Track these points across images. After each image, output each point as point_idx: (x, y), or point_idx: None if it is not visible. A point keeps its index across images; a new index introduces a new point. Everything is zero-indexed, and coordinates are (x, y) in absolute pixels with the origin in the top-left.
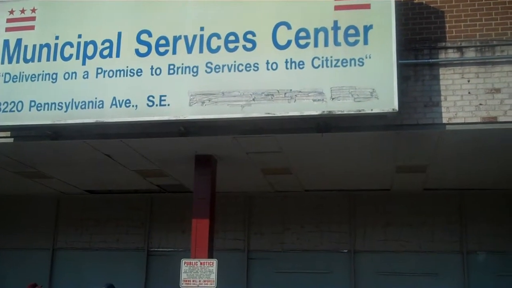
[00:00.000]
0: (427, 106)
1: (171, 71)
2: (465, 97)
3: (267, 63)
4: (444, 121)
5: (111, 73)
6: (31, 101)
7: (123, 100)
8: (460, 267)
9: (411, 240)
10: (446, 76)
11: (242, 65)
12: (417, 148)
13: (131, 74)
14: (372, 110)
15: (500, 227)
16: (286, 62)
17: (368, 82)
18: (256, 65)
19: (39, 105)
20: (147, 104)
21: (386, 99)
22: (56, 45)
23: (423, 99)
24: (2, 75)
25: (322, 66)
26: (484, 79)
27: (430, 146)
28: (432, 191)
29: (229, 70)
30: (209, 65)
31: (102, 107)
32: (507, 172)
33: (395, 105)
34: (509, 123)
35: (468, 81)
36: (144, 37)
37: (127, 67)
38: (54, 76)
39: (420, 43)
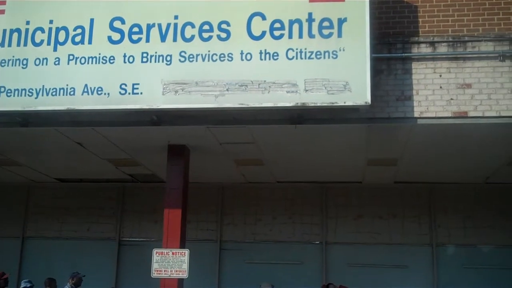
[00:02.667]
0: (399, 99)
1: (144, 59)
2: (437, 92)
3: (242, 53)
4: (416, 115)
5: (83, 60)
6: (0, 87)
7: (95, 88)
8: (429, 260)
9: (382, 233)
10: (418, 71)
11: (216, 55)
12: (389, 142)
13: (104, 62)
14: (345, 102)
15: (469, 220)
16: (261, 53)
17: (342, 75)
18: (230, 55)
19: (9, 91)
20: (120, 92)
21: (359, 92)
22: (27, 30)
23: (395, 93)
24: None
25: (296, 58)
26: (455, 74)
27: (402, 140)
28: (403, 184)
29: (203, 60)
30: (182, 54)
31: (74, 94)
32: (476, 167)
33: (368, 98)
34: (479, 118)
35: (440, 75)
36: (117, 24)
37: (100, 54)
38: (24, 62)
39: (393, 37)
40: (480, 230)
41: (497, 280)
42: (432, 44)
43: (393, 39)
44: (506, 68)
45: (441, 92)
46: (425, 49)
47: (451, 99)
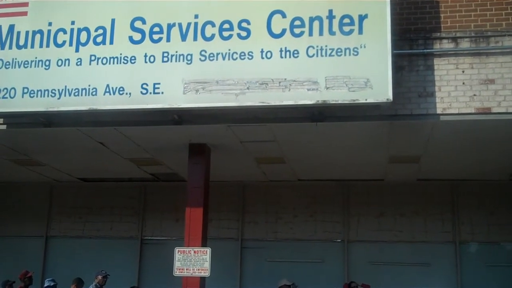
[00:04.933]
0: (421, 96)
1: (165, 59)
2: (459, 88)
3: (262, 51)
4: (438, 111)
5: (104, 60)
6: (24, 88)
7: (116, 88)
8: (453, 258)
9: (404, 230)
10: (440, 67)
11: (236, 53)
12: (411, 139)
13: (125, 62)
14: (366, 100)
15: (493, 217)
16: (281, 51)
17: (363, 72)
18: (250, 53)
19: (32, 92)
20: (141, 92)
21: (381, 89)
22: (49, 31)
23: (417, 89)
24: None
25: (317, 55)
26: (478, 70)
27: (424, 137)
28: (425, 181)
29: (224, 59)
30: (203, 53)
31: (96, 94)
32: (500, 163)
33: (389, 95)
34: (503, 114)
35: (463, 71)
36: (138, 24)
37: (121, 54)
38: (47, 63)
39: (414, 33)
40: (504, 227)
41: None
42: (454, 39)
43: (415, 35)
44: None
45: (463, 88)
46: (447, 45)
47: (474, 95)
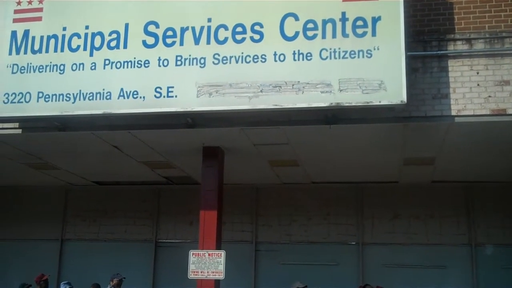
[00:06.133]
0: (436, 98)
1: (179, 63)
2: (474, 89)
3: (275, 54)
4: (453, 113)
5: (118, 64)
6: (38, 92)
7: (130, 92)
8: (468, 260)
9: (419, 233)
10: (454, 68)
11: (249, 56)
12: (425, 141)
13: (139, 66)
14: (380, 102)
15: (508, 219)
16: (294, 53)
17: (376, 74)
18: (263, 56)
19: (47, 96)
20: (155, 96)
21: (394, 91)
22: (63, 36)
23: (431, 91)
24: (10, 66)
25: (330, 58)
26: (493, 71)
27: (438, 139)
28: (440, 183)
29: (237, 62)
30: (216, 56)
31: (110, 98)
32: None
33: (404, 97)
34: None
35: (477, 73)
36: (151, 28)
37: (135, 58)
38: (61, 67)
39: (428, 34)
40: None
41: None
42: (468, 41)
43: (428, 37)
44: None
45: (478, 89)
46: (461, 46)
47: (489, 96)
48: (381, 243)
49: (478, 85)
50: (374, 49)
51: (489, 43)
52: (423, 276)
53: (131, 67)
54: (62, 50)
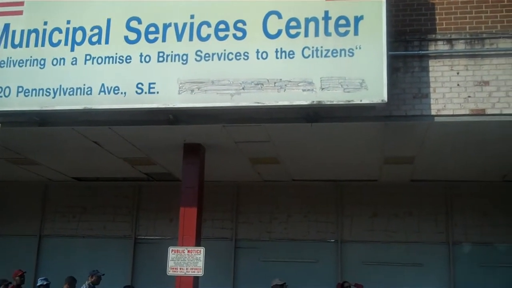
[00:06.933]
0: (416, 97)
1: (161, 59)
2: (454, 89)
3: (257, 52)
4: (433, 112)
5: (100, 60)
6: (18, 87)
7: (111, 87)
8: (446, 258)
9: (398, 231)
10: (435, 68)
11: (232, 53)
12: (405, 140)
13: (120, 61)
14: (361, 100)
15: (486, 218)
16: (276, 51)
17: (358, 73)
18: (246, 54)
19: (26, 90)
20: (136, 92)
21: (376, 90)
22: (44, 30)
23: (412, 91)
24: None
25: (312, 56)
26: (473, 72)
27: (418, 138)
28: (419, 182)
29: (219, 59)
30: (198, 53)
31: (91, 93)
32: (493, 164)
33: (384, 96)
34: (497, 116)
35: (458, 73)
36: (133, 24)
37: (116, 54)
38: (42, 62)
39: (410, 34)
40: (497, 228)
41: None
42: (449, 41)
43: (410, 37)
44: None
45: (458, 89)
46: (442, 47)
47: (469, 96)
48: (360, 241)
49: (458, 85)
50: (356, 48)
51: (470, 44)
52: (401, 274)
53: (112, 62)
54: (43, 45)
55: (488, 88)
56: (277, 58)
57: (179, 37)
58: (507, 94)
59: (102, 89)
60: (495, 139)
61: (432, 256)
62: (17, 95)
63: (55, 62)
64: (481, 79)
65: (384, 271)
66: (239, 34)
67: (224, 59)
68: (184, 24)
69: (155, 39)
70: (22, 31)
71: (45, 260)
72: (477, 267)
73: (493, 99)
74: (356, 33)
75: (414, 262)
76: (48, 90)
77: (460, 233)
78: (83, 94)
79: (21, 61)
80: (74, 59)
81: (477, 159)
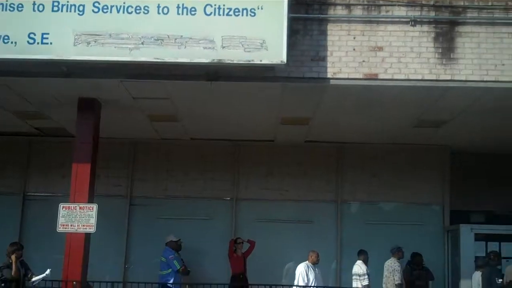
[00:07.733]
0: (314, 60)
1: (55, 8)
2: (350, 54)
3: (158, 7)
4: (329, 75)
5: None
6: None
7: (1, 36)
8: (334, 215)
9: (290, 190)
10: (333, 32)
11: (131, 7)
12: (302, 101)
13: (11, 9)
14: (261, 61)
15: (374, 179)
16: (178, 7)
17: (259, 33)
18: (146, 8)
19: None
20: (28, 42)
21: (275, 51)
22: None
23: (310, 53)
24: None
25: (214, 14)
26: (368, 37)
27: (314, 100)
28: (314, 143)
29: (118, 11)
30: (96, 4)
31: None
32: (384, 128)
33: (284, 57)
34: (389, 80)
35: (354, 38)
36: None
37: (7, 1)
38: None
39: None
40: (384, 188)
41: (397, 235)
42: (348, 6)
43: (311, 0)
44: (416, 33)
45: (354, 54)
46: (341, 11)
47: (363, 61)
48: (255, 199)
49: (354, 49)
50: (258, 8)
51: (367, 10)
52: (293, 230)
53: (2, 10)
54: None
55: (381, 54)
56: (178, 14)
57: None
58: (399, 60)
59: None
60: (386, 103)
61: (321, 214)
62: None
63: None
64: (376, 44)
65: (276, 228)
66: None
67: (124, 12)
68: None
69: None
70: None
71: None
72: (362, 223)
73: (385, 64)
74: None
75: (305, 219)
76: None
77: (348, 192)
78: None
79: None
80: None
81: (369, 122)
